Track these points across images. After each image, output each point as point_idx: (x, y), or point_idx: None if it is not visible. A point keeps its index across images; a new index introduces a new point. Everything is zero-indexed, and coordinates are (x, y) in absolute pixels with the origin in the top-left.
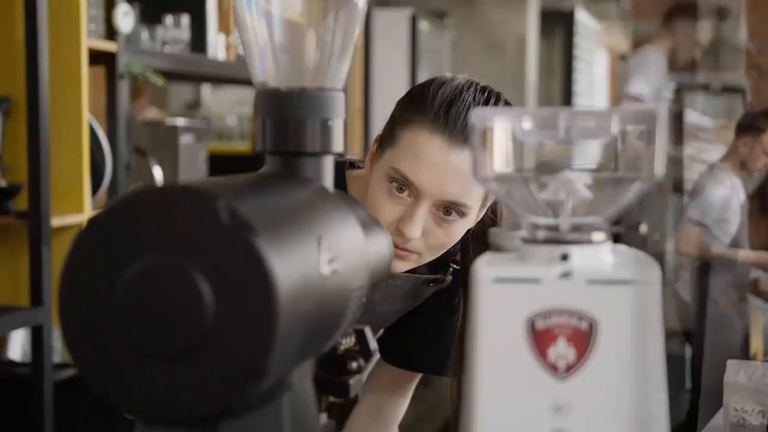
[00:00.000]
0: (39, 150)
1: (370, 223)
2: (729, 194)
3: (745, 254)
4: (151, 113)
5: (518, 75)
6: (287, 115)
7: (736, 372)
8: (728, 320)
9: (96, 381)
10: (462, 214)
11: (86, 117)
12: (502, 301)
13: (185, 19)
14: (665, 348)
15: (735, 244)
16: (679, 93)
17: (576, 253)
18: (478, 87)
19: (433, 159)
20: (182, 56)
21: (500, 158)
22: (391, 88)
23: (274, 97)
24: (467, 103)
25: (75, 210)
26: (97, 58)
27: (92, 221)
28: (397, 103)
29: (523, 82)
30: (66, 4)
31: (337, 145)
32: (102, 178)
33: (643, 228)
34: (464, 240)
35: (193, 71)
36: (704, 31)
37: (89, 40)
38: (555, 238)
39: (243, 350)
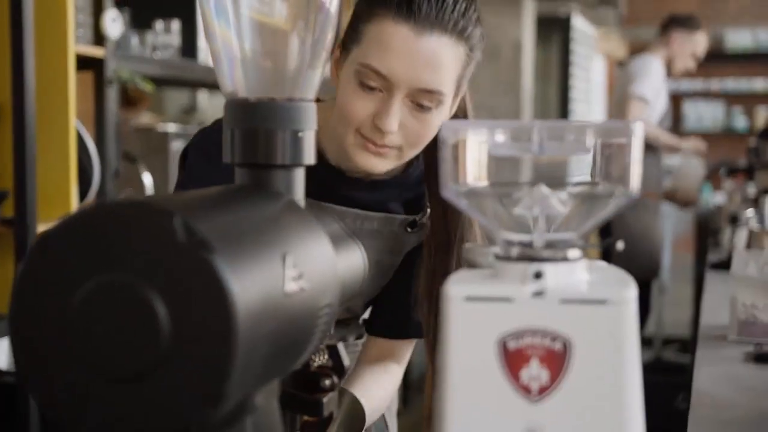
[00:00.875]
0: (25, 156)
1: (342, 237)
2: (661, 79)
3: (671, 139)
4: (146, 119)
5: (514, 81)
6: (256, 126)
7: (744, 263)
8: (649, 212)
9: (47, 401)
10: (437, 103)
11: (73, 123)
12: (473, 320)
13: (176, 25)
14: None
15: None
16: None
17: (550, 270)
18: None
19: (401, 48)
20: (172, 62)
21: (472, 172)
22: None
23: (242, 107)
24: None
25: (62, 217)
26: (85, 63)
27: (45, 236)
28: (358, 2)
29: (519, 88)
30: (53, 10)
31: (309, 156)
32: (90, 185)
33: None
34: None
35: (183, 77)
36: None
37: (77, 45)
38: (529, 255)
39: (200, 373)
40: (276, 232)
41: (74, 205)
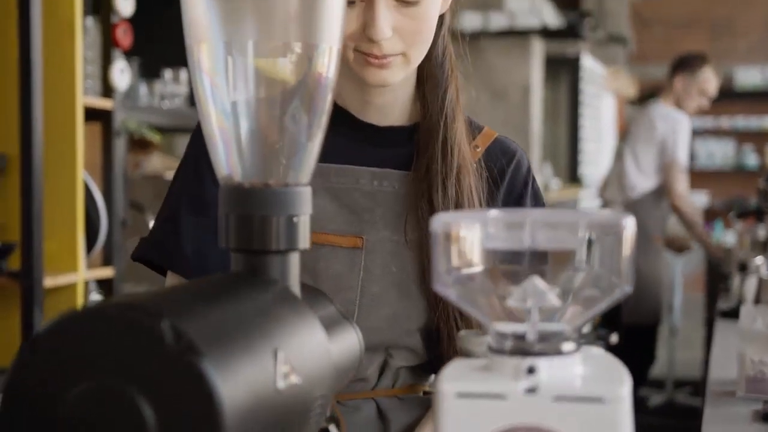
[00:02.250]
0: (32, 209)
1: (336, 320)
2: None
3: (702, 232)
4: (157, 161)
5: (523, 122)
6: (251, 212)
7: (752, 318)
8: (657, 255)
9: None
10: None
11: (81, 175)
12: (465, 417)
13: (184, 74)
14: None
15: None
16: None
17: (543, 365)
18: None
19: None
20: (180, 111)
21: (463, 263)
22: None
23: (237, 193)
24: None
25: (69, 269)
26: (93, 114)
27: (34, 339)
28: None
29: (528, 130)
30: (62, 62)
31: (304, 241)
32: (97, 236)
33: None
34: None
35: (191, 125)
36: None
37: (85, 97)
38: (522, 349)
39: None
40: (268, 325)
41: (81, 257)
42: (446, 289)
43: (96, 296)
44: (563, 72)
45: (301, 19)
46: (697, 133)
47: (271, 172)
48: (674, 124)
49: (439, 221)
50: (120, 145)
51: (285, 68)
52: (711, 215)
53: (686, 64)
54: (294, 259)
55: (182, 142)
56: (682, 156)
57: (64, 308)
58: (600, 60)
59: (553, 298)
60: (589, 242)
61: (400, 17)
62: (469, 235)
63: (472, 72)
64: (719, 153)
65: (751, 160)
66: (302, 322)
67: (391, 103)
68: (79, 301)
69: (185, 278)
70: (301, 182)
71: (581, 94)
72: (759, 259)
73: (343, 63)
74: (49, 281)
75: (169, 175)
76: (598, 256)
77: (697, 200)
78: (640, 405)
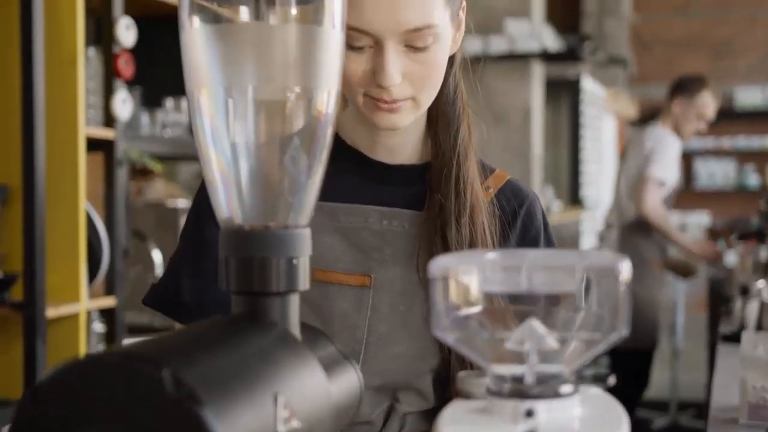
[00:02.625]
0: (34, 240)
1: (336, 360)
2: (678, 153)
3: (681, 238)
4: (159, 187)
5: (524, 145)
6: (251, 255)
7: (753, 344)
8: (654, 279)
9: None
10: (433, 38)
11: (83, 205)
12: None
13: (185, 103)
14: None
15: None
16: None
17: (542, 408)
18: None
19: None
20: (181, 139)
21: (462, 307)
22: None
23: (237, 235)
24: None
25: (71, 299)
26: (95, 144)
27: (36, 389)
28: None
29: (529, 153)
30: (64, 93)
31: (304, 282)
32: (99, 266)
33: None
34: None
35: (193, 153)
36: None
37: (87, 128)
38: (520, 392)
39: None
40: (267, 370)
41: (83, 287)
42: (444, 332)
43: (98, 326)
44: (564, 94)
45: (299, 64)
46: (698, 154)
47: (271, 215)
48: (659, 141)
49: (437, 265)
50: (122, 175)
51: (284, 112)
52: (713, 235)
53: (684, 87)
54: (294, 301)
55: (184, 170)
56: (657, 171)
57: (67, 339)
58: (600, 81)
59: (551, 341)
60: (586, 285)
61: (409, 63)
62: (467, 279)
63: (481, 102)
64: (720, 173)
65: (753, 179)
66: (302, 364)
67: (402, 142)
68: (82, 332)
69: (185, 324)
70: (300, 224)
71: (582, 116)
72: (761, 283)
73: (353, 104)
74: (51, 312)
75: (171, 202)
76: (595, 298)
77: (698, 220)
78: (643, 427)
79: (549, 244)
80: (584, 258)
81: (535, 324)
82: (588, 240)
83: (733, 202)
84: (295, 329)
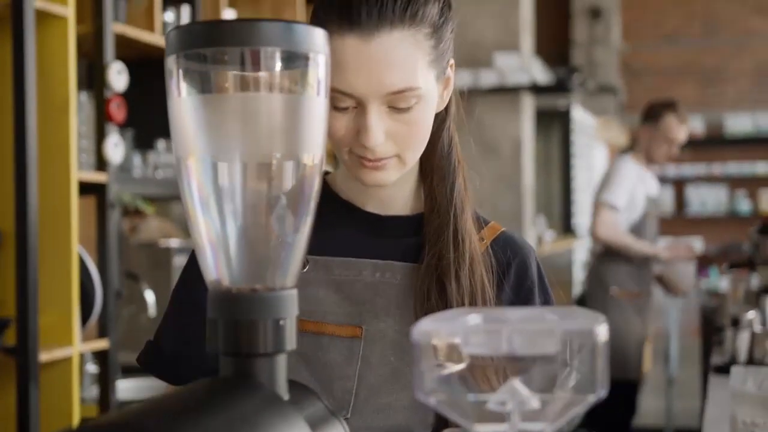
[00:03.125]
0: (27, 284)
1: (323, 417)
2: (635, 182)
3: (645, 246)
4: (153, 225)
5: (515, 176)
6: (239, 317)
7: (742, 379)
8: (623, 312)
9: None
10: (416, 99)
11: (76, 249)
12: None
13: None
14: None
15: (636, 234)
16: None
17: None
18: None
19: (353, 59)
20: (173, 180)
21: (444, 369)
22: None
23: (225, 298)
24: None
25: (64, 343)
26: (87, 188)
27: None
28: None
29: (520, 184)
30: (56, 137)
31: (290, 342)
32: (92, 309)
33: None
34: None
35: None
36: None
37: (80, 172)
38: None
39: None
40: None
41: (76, 331)
42: (427, 394)
43: (91, 368)
44: (554, 124)
45: (285, 132)
46: (689, 180)
47: (259, 277)
48: (614, 167)
49: (420, 329)
50: (114, 218)
51: (270, 177)
52: (705, 262)
53: (649, 113)
54: (281, 361)
55: (177, 209)
56: (608, 195)
57: (60, 382)
58: (591, 110)
59: (532, 401)
60: (566, 347)
61: (392, 123)
62: (449, 342)
63: (471, 134)
64: (712, 199)
65: (744, 205)
66: (288, 426)
67: (393, 194)
68: (75, 375)
69: (168, 382)
70: (287, 285)
71: (572, 145)
72: (751, 314)
73: (341, 161)
74: (44, 356)
75: (164, 242)
76: (574, 360)
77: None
78: None
79: (545, 295)
80: (564, 320)
81: (517, 384)
82: (580, 269)
83: (725, 228)
84: (283, 389)
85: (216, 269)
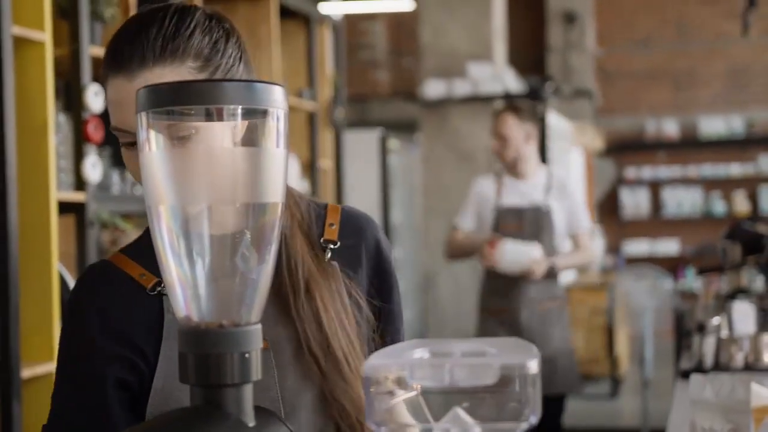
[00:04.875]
0: (8, 303)
1: None
2: (477, 197)
3: (562, 260)
4: (133, 237)
5: None
6: (207, 351)
7: (702, 387)
8: (552, 321)
9: None
10: (195, 130)
11: (56, 267)
12: None
13: None
14: None
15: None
16: None
17: None
18: (149, 10)
19: (123, 98)
20: None
21: (392, 400)
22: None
23: (194, 333)
24: (137, 24)
25: (45, 359)
26: (67, 207)
27: None
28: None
29: None
30: (35, 158)
31: (256, 373)
32: None
33: None
34: None
35: None
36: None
37: (59, 192)
38: None
39: None
40: None
41: (56, 346)
42: (378, 424)
43: None
44: None
45: (247, 181)
46: (665, 182)
47: (225, 313)
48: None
49: (370, 365)
50: (93, 236)
51: (235, 221)
52: (681, 262)
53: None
54: (248, 390)
55: None
56: (457, 217)
57: (42, 398)
58: (567, 115)
59: (474, 428)
60: (503, 378)
61: None
62: (396, 376)
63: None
64: (687, 201)
65: (719, 207)
66: None
67: None
68: None
69: None
70: (251, 321)
71: (548, 150)
72: (716, 320)
73: None
74: (26, 372)
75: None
76: (511, 390)
77: (667, 248)
78: None
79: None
80: (502, 354)
81: (460, 412)
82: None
83: (701, 229)
84: (249, 417)
85: (185, 306)
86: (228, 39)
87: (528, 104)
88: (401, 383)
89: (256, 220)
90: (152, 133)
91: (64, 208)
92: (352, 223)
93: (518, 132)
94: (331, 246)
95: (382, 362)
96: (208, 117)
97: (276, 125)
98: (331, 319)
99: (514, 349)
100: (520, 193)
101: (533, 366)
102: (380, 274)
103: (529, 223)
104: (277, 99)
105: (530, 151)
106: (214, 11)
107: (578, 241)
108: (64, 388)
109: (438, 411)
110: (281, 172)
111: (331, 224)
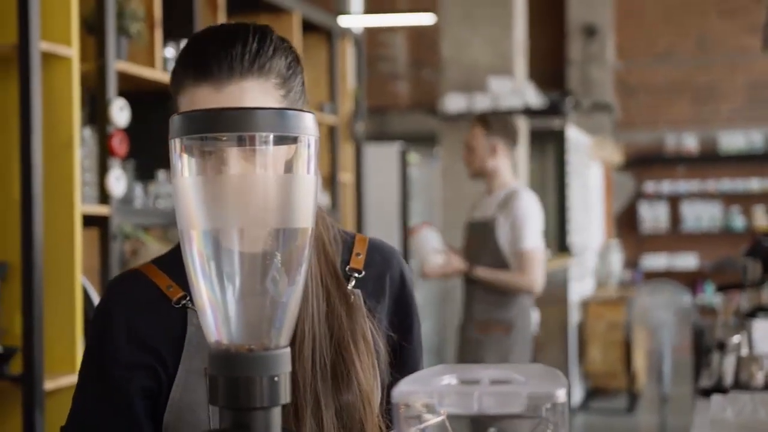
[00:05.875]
0: (33, 315)
1: None
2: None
3: (483, 272)
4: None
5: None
6: (237, 374)
7: (722, 407)
8: (472, 347)
9: None
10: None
11: (80, 280)
12: None
13: None
14: None
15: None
16: None
17: None
18: (228, 26)
19: (205, 106)
20: (173, 211)
21: (422, 425)
22: (383, 220)
23: (225, 357)
24: (221, 37)
25: (68, 371)
26: (91, 220)
27: None
28: (170, 82)
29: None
30: (61, 172)
31: (285, 397)
32: None
33: None
34: None
35: None
36: None
37: (83, 205)
38: None
39: None
40: None
41: (80, 358)
42: None
43: None
44: (549, 144)
45: (278, 207)
46: (684, 197)
47: (255, 337)
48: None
49: (399, 391)
50: (116, 249)
51: (265, 246)
52: (700, 277)
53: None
54: (276, 413)
55: (175, 233)
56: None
57: (65, 410)
58: (586, 128)
59: None
60: (531, 407)
61: None
62: (425, 403)
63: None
64: (706, 215)
65: (738, 221)
66: None
67: None
68: None
69: None
70: (281, 345)
71: (567, 164)
72: (737, 338)
73: None
74: (49, 384)
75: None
76: (538, 417)
77: (685, 263)
78: None
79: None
80: (529, 382)
81: None
82: (576, 286)
83: (720, 243)
84: None
85: (216, 330)
86: (298, 63)
87: (503, 121)
88: (429, 409)
89: (286, 244)
90: (185, 158)
91: (88, 221)
92: (379, 254)
93: (483, 143)
94: (356, 275)
95: (411, 389)
96: (241, 143)
97: (307, 152)
98: (347, 344)
99: (542, 376)
100: (483, 207)
101: (561, 395)
102: (403, 308)
103: (476, 236)
104: (308, 126)
105: (498, 165)
106: (283, 36)
107: (521, 261)
108: (86, 390)
109: None
110: (312, 197)
111: (358, 254)
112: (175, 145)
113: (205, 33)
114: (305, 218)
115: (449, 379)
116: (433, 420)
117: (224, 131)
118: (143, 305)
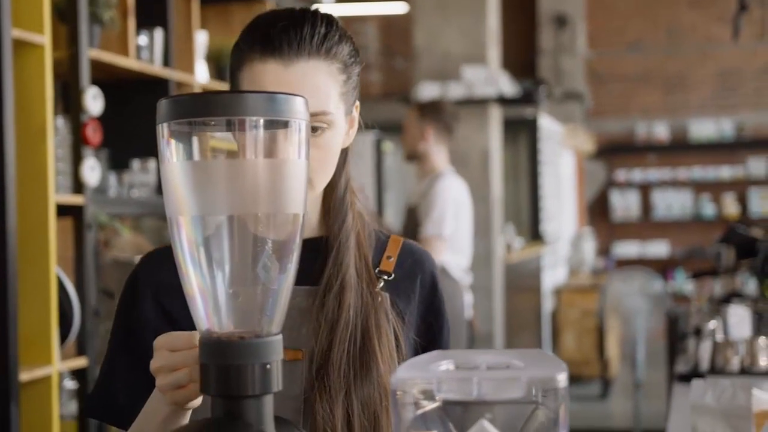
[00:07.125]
0: (7, 306)
1: None
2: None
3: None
4: (126, 238)
5: (484, 186)
6: (229, 362)
7: (702, 392)
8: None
9: None
10: (328, 124)
11: (54, 270)
12: None
13: (152, 164)
14: None
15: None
16: None
17: None
18: (295, 9)
19: (273, 81)
20: (148, 200)
21: (419, 411)
22: None
23: (216, 345)
24: (289, 17)
25: (43, 362)
26: (65, 210)
27: None
28: (231, 58)
29: (489, 195)
30: (34, 161)
31: (276, 384)
32: (70, 328)
33: None
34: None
35: (159, 213)
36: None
37: (57, 195)
38: None
39: None
40: None
41: (55, 349)
42: None
43: (70, 384)
44: (521, 133)
45: (268, 192)
46: (655, 185)
47: (246, 325)
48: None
49: (397, 377)
50: (91, 239)
51: (256, 233)
52: (671, 264)
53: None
54: (268, 401)
55: (150, 224)
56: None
57: (40, 401)
58: (558, 117)
59: None
60: (530, 392)
61: None
62: (424, 389)
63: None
64: (677, 204)
65: (709, 209)
66: None
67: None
68: (54, 393)
69: (123, 429)
70: (272, 332)
71: (540, 153)
72: (713, 323)
73: None
74: (24, 375)
75: (137, 258)
76: (537, 402)
77: (657, 250)
78: None
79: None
80: (529, 367)
81: (486, 424)
82: (549, 274)
83: (691, 231)
84: (269, 427)
85: (207, 318)
86: (358, 53)
87: (440, 109)
88: (427, 395)
89: (276, 229)
90: (172, 145)
91: (63, 210)
92: (410, 257)
93: (414, 127)
94: (385, 277)
95: (409, 375)
96: (230, 128)
97: (298, 136)
98: (369, 340)
99: (540, 361)
100: (416, 193)
101: (562, 380)
102: (433, 312)
103: (408, 221)
104: (298, 110)
105: (428, 150)
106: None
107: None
108: (114, 359)
109: (463, 423)
110: (302, 182)
111: (389, 257)
112: (163, 130)
113: (273, 12)
114: (296, 204)
115: (447, 365)
116: (430, 406)
117: (213, 116)
118: (172, 280)
